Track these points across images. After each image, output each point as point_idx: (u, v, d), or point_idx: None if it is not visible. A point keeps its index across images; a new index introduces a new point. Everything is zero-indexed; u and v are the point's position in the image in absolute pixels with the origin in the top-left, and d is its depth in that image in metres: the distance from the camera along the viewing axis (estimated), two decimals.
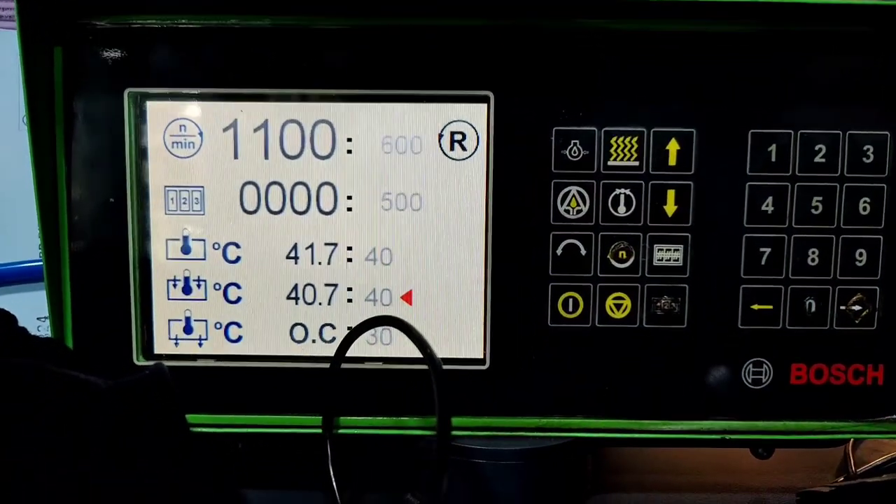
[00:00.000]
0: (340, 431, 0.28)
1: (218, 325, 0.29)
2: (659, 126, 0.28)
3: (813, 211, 0.28)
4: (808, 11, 0.27)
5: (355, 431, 0.29)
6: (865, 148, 0.28)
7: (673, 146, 0.28)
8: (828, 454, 0.33)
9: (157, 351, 0.29)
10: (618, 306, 0.29)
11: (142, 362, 0.29)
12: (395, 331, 0.29)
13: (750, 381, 0.29)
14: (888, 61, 0.28)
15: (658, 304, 0.29)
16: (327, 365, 0.28)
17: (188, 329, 0.29)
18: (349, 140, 0.29)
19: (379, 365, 0.29)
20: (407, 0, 0.27)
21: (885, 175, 0.28)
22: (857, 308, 0.29)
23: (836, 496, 0.27)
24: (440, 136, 0.28)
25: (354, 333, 0.26)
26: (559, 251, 0.28)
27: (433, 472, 0.24)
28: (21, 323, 0.27)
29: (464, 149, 0.28)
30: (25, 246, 0.40)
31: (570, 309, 0.29)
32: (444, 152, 0.28)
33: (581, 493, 0.30)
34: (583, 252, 0.28)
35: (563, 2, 0.27)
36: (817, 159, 0.28)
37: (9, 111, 0.40)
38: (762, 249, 0.28)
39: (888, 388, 0.29)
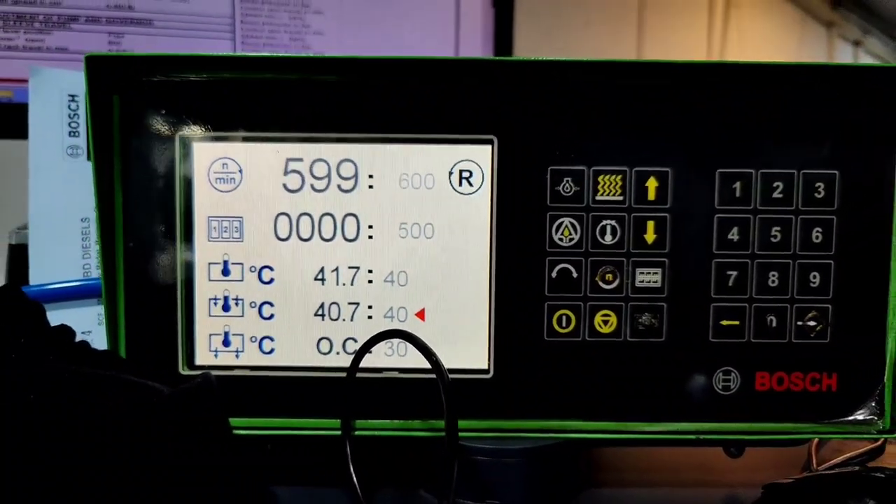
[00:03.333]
0: (357, 433, 0.32)
1: (253, 339, 0.33)
2: (640, 166, 0.32)
3: (772, 239, 0.33)
4: (770, 73, 0.32)
5: (370, 433, 0.33)
6: (817, 185, 0.33)
7: (652, 183, 0.32)
8: (794, 453, 0.37)
9: (198, 362, 0.33)
10: (605, 322, 0.33)
11: (186, 372, 0.33)
12: (409, 344, 0.33)
13: (720, 387, 0.33)
14: (835, 113, 0.33)
15: (640, 320, 0.33)
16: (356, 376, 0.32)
17: (227, 342, 0.33)
18: (370, 177, 0.33)
19: (395, 374, 0.33)
20: (423, 62, 0.31)
21: (835, 208, 0.33)
22: (812, 323, 0.33)
23: (795, 487, 0.31)
24: (450, 173, 0.33)
25: (367, 345, 0.30)
26: (554, 274, 0.33)
27: (443, 469, 0.28)
28: None
29: (471, 185, 0.33)
30: (68, 267, 0.43)
31: (564, 324, 0.33)
32: (453, 188, 0.33)
33: (575, 489, 0.34)
34: (574, 275, 0.33)
35: (556, 65, 0.31)
36: (775, 195, 0.33)
37: (54, 144, 0.44)
38: (729, 272, 0.33)
39: (841, 394, 0.33)
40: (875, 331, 0.33)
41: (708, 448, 0.34)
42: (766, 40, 2.58)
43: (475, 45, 0.77)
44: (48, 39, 0.63)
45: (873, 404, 0.33)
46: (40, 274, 0.42)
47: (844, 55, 3.19)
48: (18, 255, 0.41)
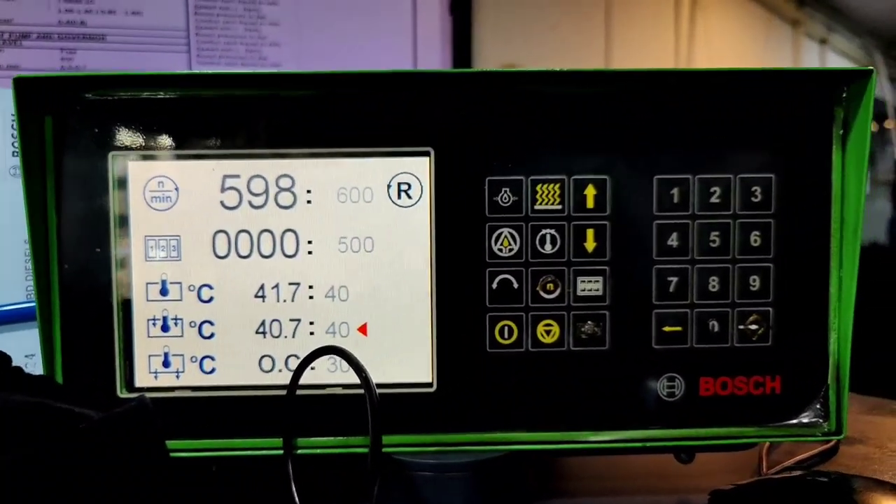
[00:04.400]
0: (299, 452, 0.32)
1: (193, 359, 0.33)
2: (577, 174, 0.32)
3: (711, 244, 0.33)
4: (703, 78, 0.32)
5: (311, 452, 0.32)
6: (753, 189, 0.33)
7: (590, 191, 0.33)
8: (746, 457, 0.37)
9: (138, 384, 0.33)
10: (548, 332, 0.33)
11: (125, 395, 0.32)
12: None
13: (665, 393, 0.33)
14: (770, 116, 0.33)
15: (582, 329, 0.33)
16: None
17: (167, 363, 0.33)
18: (309, 192, 0.32)
19: (338, 390, 0.33)
20: (357, 76, 0.31)
21: (772, 212, 0.33)
22: (753, 327, 0.33)
23: (739, 493, 0.31)
24: (388, 186, 0.32)
25: (304, 363, 0.30)
26: (494, 285, 0.32)
27: (367, 483, 0.27)
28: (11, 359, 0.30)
29: (409, 197, 0.32)
30: (11, 289, 0.43)
31: (506, 336, 0.33)
32: (392, 200, 0.33)
33: (524, 501, 0.34)
34: (515, 285, 0.32)
35: (490, 74, 0.31)
36: (713, 200, 0.33)
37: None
38: (670, 278, 0.33)
39: (785, 396, 0.33)
40: (817, 333, 0.33)
41: (659, 455, 0.35)
42: (733, 39, 2.62)
43: (433, 52, 0.77)
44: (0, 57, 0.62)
45: (818, 406, 0.33)
46: None
47: (810, 53, 3.24)
48: None
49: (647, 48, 2.20)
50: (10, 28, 0.62)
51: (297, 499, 0.30)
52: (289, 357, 0.33)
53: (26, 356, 0.40)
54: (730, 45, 2.62)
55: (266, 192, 0.32)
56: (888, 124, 3.75)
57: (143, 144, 0.32)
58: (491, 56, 1.72)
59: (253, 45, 0.70)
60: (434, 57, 0.78)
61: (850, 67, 0.32)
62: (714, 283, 0.33)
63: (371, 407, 0.28)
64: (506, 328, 0.33)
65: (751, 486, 0.31)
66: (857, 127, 0.32)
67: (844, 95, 0.33)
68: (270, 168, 0.32)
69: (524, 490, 0.34)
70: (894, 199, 4.03)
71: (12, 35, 0.62)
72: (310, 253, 0.33)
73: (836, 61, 3.58)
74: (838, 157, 0.33)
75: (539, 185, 0.32)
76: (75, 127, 0.31)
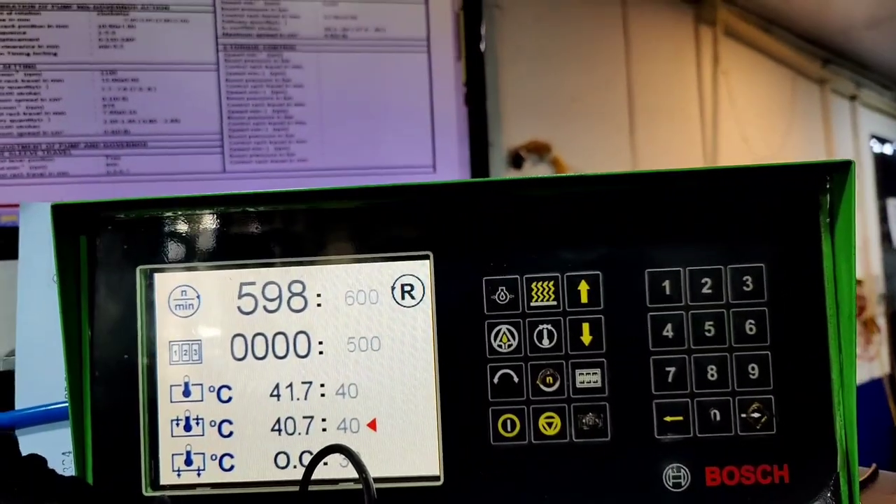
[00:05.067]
0: None
1: (213, 457, 0.34)
2: (570, 271, 0.34)
3: (707, 333, 0.34)
4: (690, 176, 0.34)
5: None
6: (745, 278, 0.34)
7: (583, 286, 0.34)
8: None
9: (162, 482, 0.34)
10: (549, 424, 0.34)
11: (150, 493, 0.34)
12: (362, 455, 0.34)
13: (671, 484, 0.33)
14: (758, 208, 0.34)
15: (583, 420, 0.34)
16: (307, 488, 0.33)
17: (189, 461, 0.34)
18: (318, 295, 0.35)
19: (350, 485, 0.34)
20: (359, 190, 0.34)
21: (765, 300, 0.34)
22: (756, 415, 0.33)
23: None
24: (392, 288, 0.35)
25: (313, 462, 0.31)
26: (496, 380, 0.34)
27: None
28: (47, 456, 0.32)
29: (412, 297, 0.35)
30: (49, 390, 0.46)
31: (509, 429, 0.34)
32: (396, 301, 0.35)
33: None
34: (516, 380, 0.34)
35: (481, 184, 0.34)
36: (705, 290, 0.34)
37: (40, 271, 0.47)
38: (667, 368, 0.34)
39: (794, 485, 0.33)
40: (822, 419, 0.33)
41: None
42: (758, 101, 2.64)
43: (451, 142, 0.81)
44: (50, 166, 0.68)
45: (829, 495, 0.33)
46: (27, 397, 0.44)
47: (841, 109, 3.23)
48: (4, 382, 0.43)
49: (671, 113, 2.24)
50: (60, 139, 0.69)
51: None
52: (303, 453, 0.34)
53: (63, 453, 0.42)
54: (755, 106, 2.65)
55: (279, 297, 0.35)
56: None
57: (167, 258, 0.35)
58: (516, 133, 1.78)
59: (281, 143, 0.75)
60: (452, 146, 0.82)
61: (832, 160, 0.33)
62: (712, 372, 0.34)
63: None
64: (508, 421, 0.34)
65: None
66: (842, 214, 0.33)
67: (828, 186, 0.34)
68: (283, 275, 0.35)
69: None
70: None
71: (62, 145, 0.69)
72: (321, 353, 0.35)
73: (867, 116, 3.56)
74: (827, 243, 0.34)
75: (534, 283, 0.34)
76: (106, 245, 0.35)
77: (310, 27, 0.75)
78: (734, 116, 2.46)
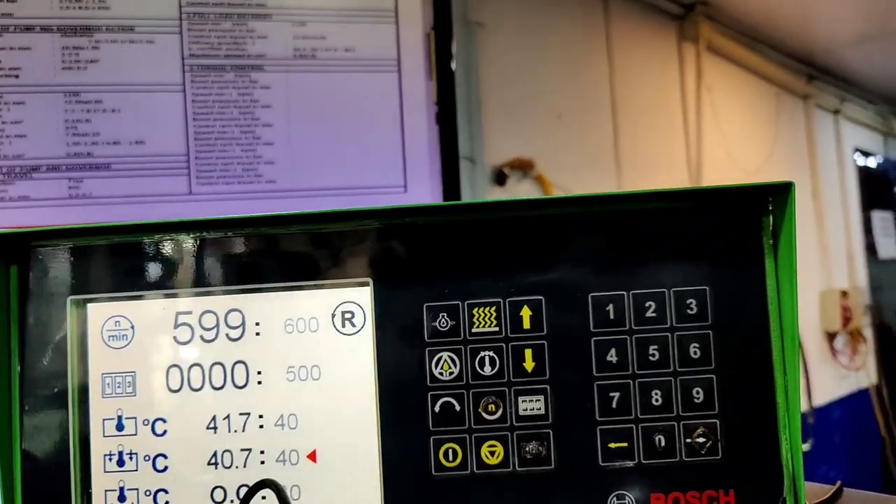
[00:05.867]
0: None
1: (148, 493, 0.33)
2: (512, 297, 0.33)
3: (651, 358, 0.33)
4: (632, 199, 0.34)
5: None
6: (689, 301, 0.33)
7: (526, 312, 0.33)
8: None
9: None
10: (492, 453, 0.33)
11: None
12: (302, 487, 0.33)
13: None
14: (701, 231, 0.34)
15: (527, 448, 0.33)
16: None
17: (122, 498, 0.33)
18: (257, 324, 0.34)
19: None
20: (296, 216, 0.33)
21: (709, 323, 0.33)
22: (701, 440, 0.33)
23: None
24: (333, 315, 0.34)
25: (246, 498, 0.31)
26: (437, 408, 0.33)
27: None
28: None
29: (353, 325, 0.34)
30: None
31: (451, 458, 0.33)
32: (336, 329, 0.34)
33: None
34: (457, 408, 0.33)
35: (418, 209, 0.33)
36: (649, 314, 0.33)
37: None
38: (612, 394, 0.33)
39: None
40: (768, 443, 0.33)
41: None
42: (742, 117, 2.66)
43: (421, 161, 0.80)
44: (11, 189, 0.68)
45: None
46: None
47: (825, 124, 3.26)
48: None
49: (655, 129, 2.25)
50: (21, 162, 0.68)
51: None
52: (240, 487, 0.33)
53: None
54: (739, 121, 2.67)
55: (217, 326, 0.34)
56: None
57: (99, 287, 0.34)
58: (499, 150, 1.79)
59: (249, 165, 0.75)
60: (423, 166, 0.82)
61: (772, 182, 0.33)
62: (657, 397, 0.33)
63: None
64: (450, 451, 0.33)
65: None
66: (784, 235, 0.33)
67: (770, 207, 0.34)
68: (220, 303, 0.34)
69: None
70: None
71: (23, 168, 0.68)
72: (259, 383, 0.34)
73: (851, 130, 3.59)
74: (771, 265, 0.34)
75: (476, 309, 0.33)
76: (37, 275, 0.34)
77: (278, 47, 0.75)
78: (718, 132, 2.48)
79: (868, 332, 3.22)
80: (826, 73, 3.27)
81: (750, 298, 0.33)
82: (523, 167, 1.66)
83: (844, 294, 2.93)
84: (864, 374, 3.13)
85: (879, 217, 3.70)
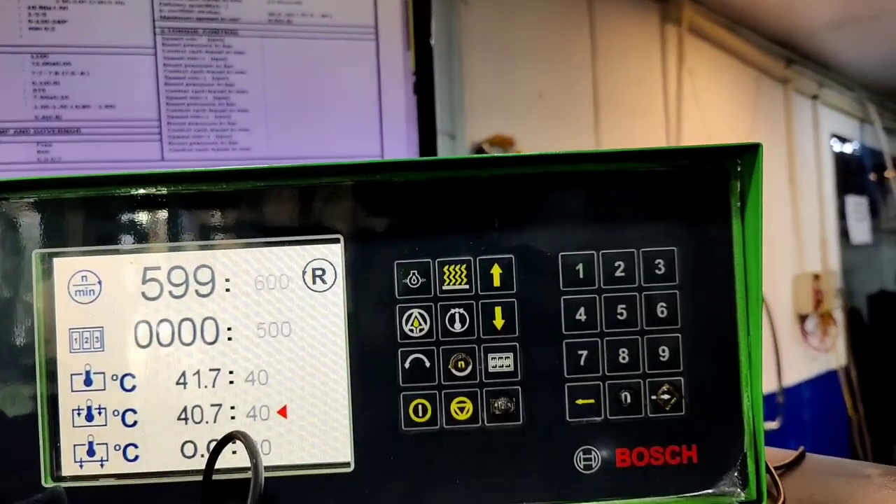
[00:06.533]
0: None
1: (117, 447, 0.33)
2: (483, 255, 0.34)
3: (619, 317, 0.34)
4: (603, 158, 0.34)
5: None
6: (657, 262, 0.34)
7: (496, 270, 0.34)
8: None
9: (64, 473, 0.33)
10: (461, 409, 0.33)
11: (50, 484, 0.33)
12: (273, 442, 0.33)
13: (582, 466, 0.33)
14: (669, 191, 0.34)
15: (496, 404, 0.33)
16: (213, 477, 0.32)
17: (91, 452, 0.33)
18: (227, 280, 0.34)
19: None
20: (267, 171, 0.33)
21: (677, 283, 0.34)
22: (666, 397, 0.34)
23: None
24: (304, 272, 0.34)
25: (216, 450, 0.31)
26: (407, 365, 0.33)
27: None
28: None
29: (324, 282, 0.34)
30: None
31: (420, 414, 0.33)
32: (307, 286, 0.34)
33: None
34: (427, 364, 0.33)
35: (392, 164, 0.33)
36: (618, 273, 0.34)
37: None
38: (580, 352, 0.33)
39: (702, 465, 0.33)
40: (730, 401, 0.34)
41: None
42: (722, 100, 2.68)
43: (399, 131, 0.80)
44: None
45: (735, 474, 0.33)
46: None
47: (803, 108, 3.30)
48: None
49: (637, 109, 2.26)
50: None
51: None
52: (210, 442, 0.33)
53: None
54: (719, 104, 2.68)
55: (186, 282, 0.34)
56: (888, 174, 3.77)
57: (66, 242, 0.34)
58: (480, 127, 1.78)
59: (223, 132, 0.74)
60: (400, 135, 0.81)
61: (741, 143, 0.34)
62: (624, 355, 0.34)
63: (253, 489, 0.28)
64: (420, 406, 0.33)
65: None
66: (752, 198, 0.34)
67: (739, 169, 0.34)
68: (190, 259, 0.34)
69: None
70: None
71: None
72: (229, 339, 0.34)
73: (828, 115, 3.63)
74: (738, 227, 0.34)
75: (446, 266, 0.34)
76: (1, 228, 0.33)
77: (252, 12, 0.74)
78: (699, 114, 2.49)
79: (839, 315, 3.29)
80: (805, 58, 3.30)
81: (716, 259, 0.34)
82: (503, 144, 1.66)
83: (817, 277, 2.99)
84: (833, 355, 3.20)
85: (853, 202, 3.76)
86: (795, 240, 3.08)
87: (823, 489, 0.46)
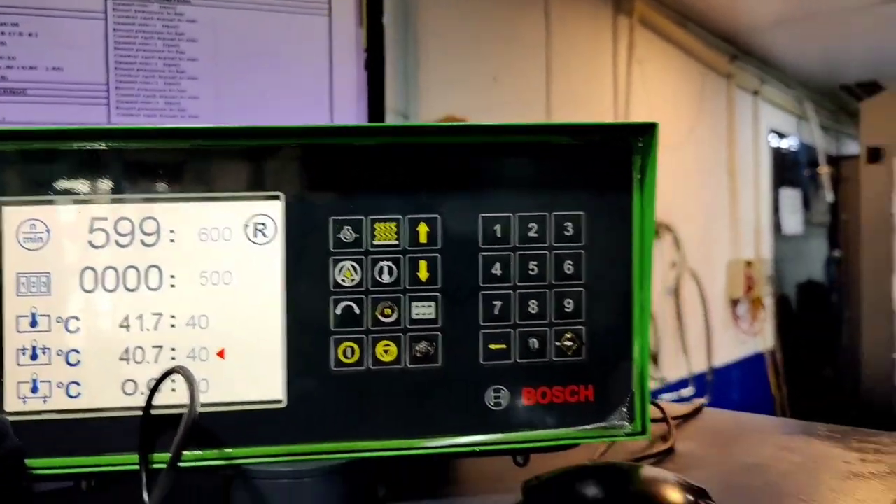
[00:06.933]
0: (155, 466, 0.35)
1: (60, 385, 0.36)
2: (411, 214, 0.37)
3: (531, 272, 0.38)
4: (520, 130, 0.38)
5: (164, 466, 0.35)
6: (566, 225, 0.38)
7: (423, 228, 0.37)
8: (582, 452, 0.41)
9: (7, 409, 0.35)
10: (386, 352, 0.37)
11: None
12: (211, 381, 0.36)
13: (492, 403, 0.37)
14: (580, 163, 0.38)
15: (417, 348, 0.37)
16: (152, 412, 0.35)
17: (35, 389, 0.36)
18: (172, 231, 0.36)
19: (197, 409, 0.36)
20: (217, 129, 0.36)
21: (583, 244, 0.38)
22: (568, 343, 0.38)
23: (541, 479, 0.35)
24: (245, 226, 0.37)
25: (156, 385, 0.34)
26: (338, 311, 0.37)
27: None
28: None
29: (264, 235, 0.37)
30: None
31: (349, 356, 0.37)
32: (248, 238, 0.37)
33: (374, 500, 0.37)
34: (357, 311, 0.37)
35: (331, 129, 0.36)
36: (531, 234, 0.38)
37: None
38: (494, 303, 0.37)
39: (596, 403, 0.38)
40: (623, 347, 0.38)
41: (498, 458, 0.38)
42: (670, 91, 2.77)
43: (349, 105, 0.82)
44: None
45: (624, 410, 0.38)
46: None
47: (744, 104, 3.44)
48: None
49: (587, 97, 2.32)
50: None
51: None
52: (151, 381, 0.36)
53: None
54: (666, 95, 2.77)
55: (132, 232, 0.36)
56: (821, 170, 3.97)
57: (14, 191, 0.35)
58: (433, 107, 1.80)
59: (172, 98, 0.75)
60: (350, 110, 0.84)
61: (640, 122, 0.38)
62: (533, 306, 0.38)
63: (189, 415, 0.31)
64: (349, 349, 0.37)
65: (566, 473, 0.35)
66: (649, 171, 0.38)
67: (640, 145, 0.39)
68: (136, 211, 0.36)
69: (374, 495, 0.37)
70: (829, 238, 4.22)
71: None
72: (172, 286, 0.36)
73: (768, 111, 3.79)
74: (637, 197, 0.39)
75: (377, 224, 0.37)
76: None
77: None
78: (646, 104, 2.58)
79: (768, 301, 3.47)
80: (748, 54, 3.43)
81: (617, 224, 0.38)
82: None
83: (749, 264, 3.14)
84: (761, 339, 3.38)
85: (787, 195, 3.95)
86: (731, 228, 3.23)
87: (712, 433, 0.51)
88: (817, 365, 3.49)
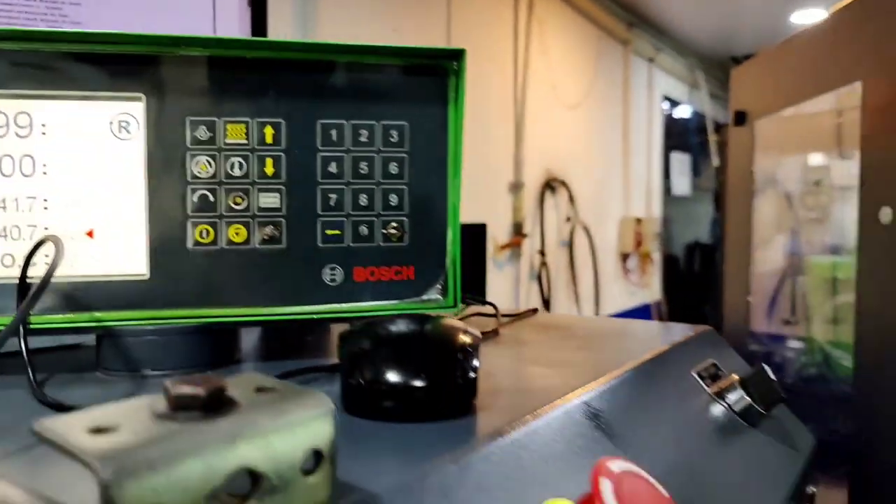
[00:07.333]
0: (33, 327, 0.41)
1: None
2: (259, 118, 0.44)
3: (361, 171, 0.46)
4: (355, 50, 0.45)
5: (43, 327, 0.41)
6: (392, 132, 0.46)
7: (269, 131, 0.44)
8: None
9: None
10: (237, 234, 0.44)
11: None
12: (79, 257, 0.42)
13: (328, 280, 0.46)
14: (406, 81, 0.46)
15: (264, 231, 0.44)
16: (28, 281, 0.40)
17: None
18: (44, 125, 0.42)
19: (66, 279, 0.42)
20: (87, 34, 0.41)
21: (406, 150, 0.46)
22: (393, 231, 0.46)
23: (365, 326, 0.44)
24: (111, 123, 0.42)
25: (30, 254, 0.39)
26: (195, 199, 0.43)
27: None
28: None
29: (128, 132, 0.43)
30: None
31: (205, 236, 0.44)
32: (114, 135, 0.42)
33: (231, 360, 0.45)
34: (211, 199, 0.44)
35: (185, 39, 0.42)
36: (362, 139, 0.46)
37: None
38: (331, 195, 0.45)
39: (417, 280, 0.47)
40: (439, 235, 0.47)
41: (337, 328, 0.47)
42: (568, 54, 2.90)
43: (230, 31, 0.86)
44: None
45: (439, 286, 0.47)
46: None
47: (639, 70, 3.64)
48: None
49: (487, 54, 2.39)
50: None
51: (29, 368, 0.39)
52: (27, 253, 0.42)
53: None
54: (564, 57, 2.90)
55: (7, 125, 0.41)
56: (709, 137, 4.27)
57: None
58: None
59: (53, 4, 0.76)
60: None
61: (453, 48, 0.46)
62: (364, 200, 0.46)
63: (51, 267, 0.38)
64: (204, 231, 0.44)
65: (362, 324, 0.44)
66: (461, 91, 0.47)
67: (455, 68, 0.47)
68: (10, 106, 0.41)
69: (232, 352, 0.45)
70: (715, 202, 4.58)
71: None
72: (45, 174, 0.42)
73: (662, 78, 4.02)
74: (452, 112, 0.47)
75: (229, 125, 0.44)
76: None
77: None
78: (545, 64, 2.69)
79: (657, 257, 3.75)
80: (645, 22, 3.61)
81: (435, 134, 0.47)
82: None
83: (639, 221, 3.38)
84: (649, 291, 3.66)
85: (678, 159, 4.24)
86: (624, 187, 3.45)
87: (540, 326, 0.62)
88: (696, 314, 3.83)
